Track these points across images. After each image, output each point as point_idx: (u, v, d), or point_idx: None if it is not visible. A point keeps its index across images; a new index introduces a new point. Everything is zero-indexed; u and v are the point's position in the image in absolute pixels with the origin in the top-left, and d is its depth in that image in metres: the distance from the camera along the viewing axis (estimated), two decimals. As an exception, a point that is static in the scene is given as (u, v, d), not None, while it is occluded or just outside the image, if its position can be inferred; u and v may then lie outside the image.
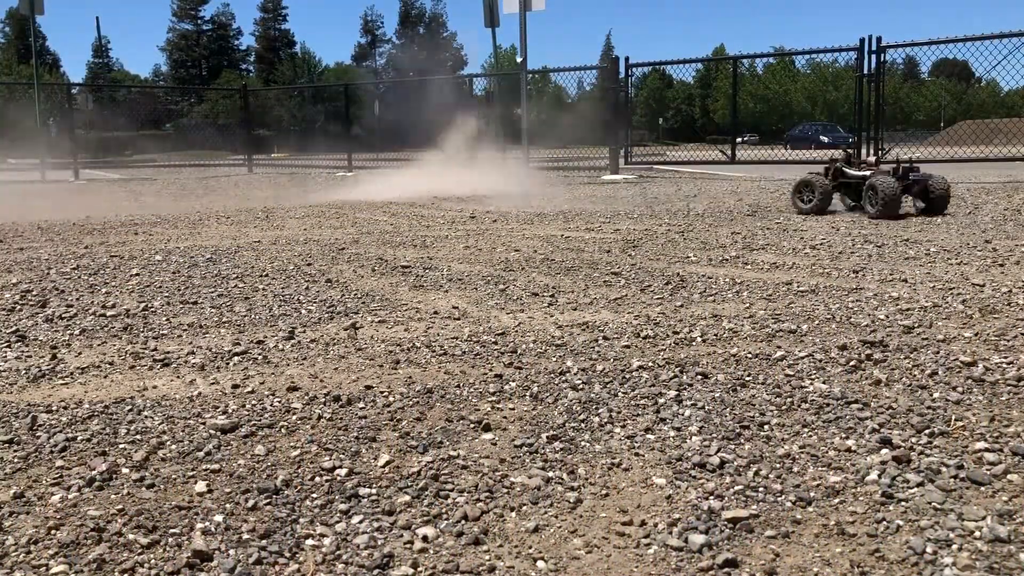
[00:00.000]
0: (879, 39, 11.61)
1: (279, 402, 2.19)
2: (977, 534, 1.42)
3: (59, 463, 1.80)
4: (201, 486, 1.67)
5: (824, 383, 2.22)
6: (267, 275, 4.19)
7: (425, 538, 1.46)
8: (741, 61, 14.58)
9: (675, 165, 14.99)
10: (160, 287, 3.92)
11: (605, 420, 2.00)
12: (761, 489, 1.61)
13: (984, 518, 1.47)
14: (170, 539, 1.46)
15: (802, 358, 2.46)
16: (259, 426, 2.00)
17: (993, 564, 1.33)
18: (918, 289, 3.44)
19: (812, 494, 1.59)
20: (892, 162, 6.53)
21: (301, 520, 1.53)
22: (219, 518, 1.54)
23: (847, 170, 6.56)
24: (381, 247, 5.17)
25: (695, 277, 3.85)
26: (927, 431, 1.87)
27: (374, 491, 1.65)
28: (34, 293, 3.80)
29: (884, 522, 1.47)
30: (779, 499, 1.57)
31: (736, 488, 1.62)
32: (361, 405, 2.16)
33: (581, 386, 2.26)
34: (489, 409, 2.10)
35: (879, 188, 5.92)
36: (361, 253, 4.92)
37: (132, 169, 17.44)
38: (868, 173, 6.33)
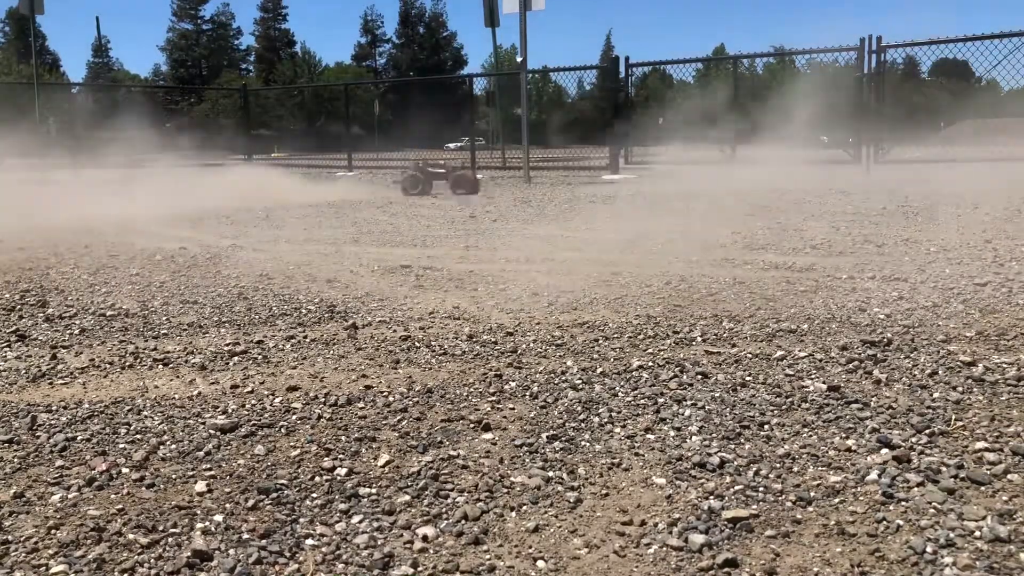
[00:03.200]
0: (879, 39, 11.60)
1: (279, 402, 2.19)
2: (977, 534, 1.42)
3: (59, 463, 1.80)
4: (201, 486, 1.67)
5: (824, 383, 2.22)
6: (267, 275, 4.18)
7: (425, 538, 1.46)
8: (741, 61, 14.57)
9: (675, 165, 14.99)
10: (160, 286, 3.92)
11: (605, 420, 2.00)
12: (761, 489, 1.61)
13: (984, 518, 1.47)
14: (170, 539, 1.46)
15: (802, 358, 2.46)
16: (259, 426, 2.00)
17: (993, 564, 1.33)
18: (918, 289, 3.44)
19: (812, 494, 1.59)
20: None
21: (301, 520, 1.53)
22: (219, 518, 1.54)
23: None
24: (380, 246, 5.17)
25: (695, 277, 3.85)
26: (927, 431, 1.87)
27: (374, 491, 1.65)
28: (34, 293, 3.80)
29: (884, 522, 1.47)
30: (779, 499, 1.57)
31: (736, 488, 1.62)
32: (361, 405, 2.16)
33: (581, 386, 2.26)
34: (489, 409, 2.10)
35: None
36: (361, 252, 4.92)
37: (132, 169, 17.45)
38: None
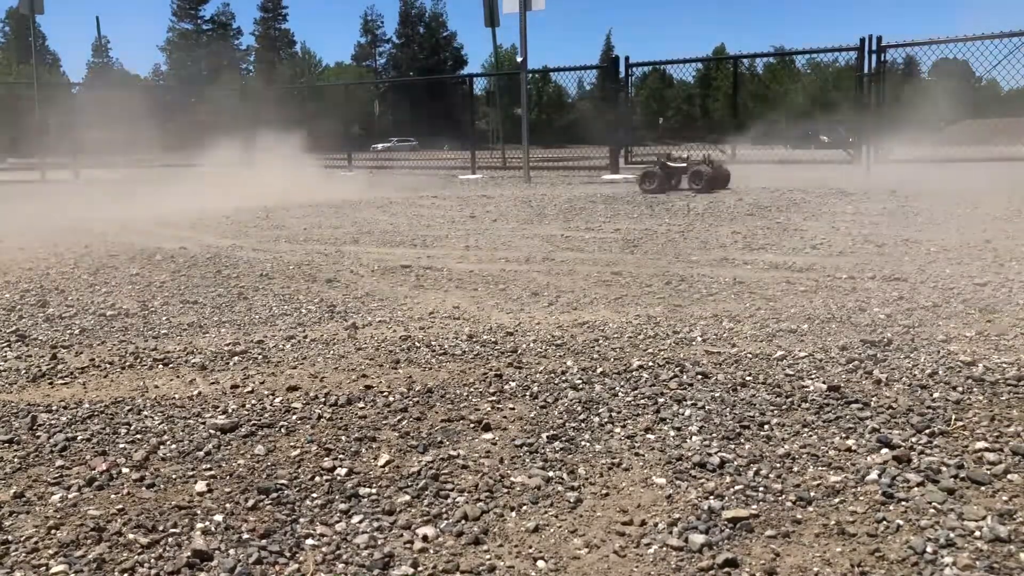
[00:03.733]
0: (879, 39, 11.59)
1: (279, 402, 2.19)
2: (977, 534, 1.42)
3: (59, 463, 1.80)
4: (201, 486, 1.67)
5: (824, 383, 2.22)
6: (267, 275, 4.19)
7: (425, 538, 1.46)
8: (741, 61, 14.58)
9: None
10: (160, 286, 3.92)
11: (605, 420, 2.00)
12: (761, 489, 1.61)
13: (984, 518, 1.47)
14: (170, 539, 1.46)
15: (802, 358, 2.46)
16: (259, 426, 2.01)
17: (993, 564, 1.33)
18: (918, 289, 3.44)
19: (812, 494, 1.59)
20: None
21: (301, 520, 1.53)
22: (219, 518, 1.54)
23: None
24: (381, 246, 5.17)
25: (695, 277, 3.85)
26: (927, 431, 1.87)
27: (374, 491, 1.65)
28: (34, 293, 3.80)
29: (884, 522, 1.47)
30: (779, 499, 1.57)
31: (736, 488, 1.62)
32: (361, 405, 2.16)
33: (581, 386, 2.26)
34: (489, 409, 2.10)
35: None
36: (361, 251, 4.92)
37: (133, 169, 17.45)
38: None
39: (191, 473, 1.74)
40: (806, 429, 1.92)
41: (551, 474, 1.71)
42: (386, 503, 1.59)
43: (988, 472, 1.65)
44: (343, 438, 1.93)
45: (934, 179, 9.40)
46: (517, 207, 7.76)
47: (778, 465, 1.72)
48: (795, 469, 1.70)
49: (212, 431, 1.98)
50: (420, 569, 1.37)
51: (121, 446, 1.90)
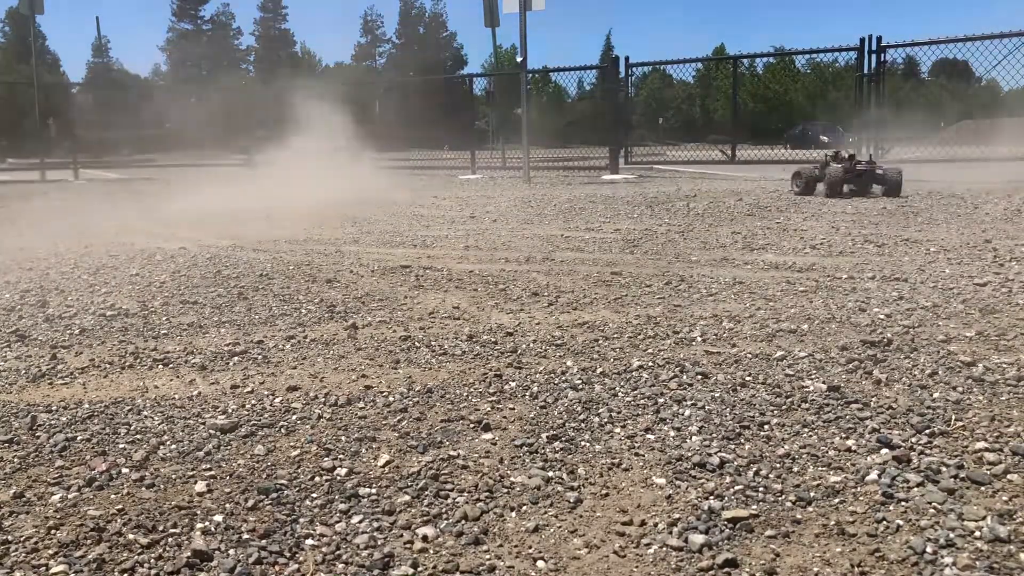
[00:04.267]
0: (879, 39, 11.61)
1: (279, 402, 2.19)
2: (977, 534, 1.42)
3: (59, 463, 1.80)
4: (201, 486, 1.67)
5: (824, 383, 2.22)
6: (267, 275, 4.18)
7: (425, 538, 1.46)
8: (741, 61, 14.59)
9: (675, 165, 15.00)
10: (160, 286, 3.92)
11: (605, 420, 2.00)
12: (761, 489, 1.61)
13: (984, 518, 1.47)
14: (170, 539, 1.46)
15: (802, 358, 2.46)
16: (259, 426, 2.01)
17: (993, 564, 1.33)
18: (918, 289, 3.44)
19: (812, 494, 1.59)
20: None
21: (301, 520, 1.53)
22: (219, 518, 1.54)
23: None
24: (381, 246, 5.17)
25: (695, 277, 3.85)
26: (927, 431, 1.87)
27: (374, 491, 1.65)
28: (34, 293, 3.80)
29: (884, 522, 1.47)
30: (779, 499, 1.57)
31: (736, 488, 1.62)
32: (361, 405, 2.16)
33: (581, 386, 2.26)
34: (489, 409, 2.11)
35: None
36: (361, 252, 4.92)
37: (132, 169, 17.44)
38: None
39: (191, 473, 1.74)
40: (806, 429, 1.92)
41: (551, 474, 1.71)
42: (386, 503, 1.59)
43: (988, 472, 1.65)
44: (343, 438, 1.93)
45: (933, 179, 9.40)
46: (517, 207, 7.76)
47: (778, 465, 1.72)
48: (795, 469, 1.70)
49: (212, 431, 1.98)
50: (420, 569, 1.37)
51: (121, 446, 1.90)
